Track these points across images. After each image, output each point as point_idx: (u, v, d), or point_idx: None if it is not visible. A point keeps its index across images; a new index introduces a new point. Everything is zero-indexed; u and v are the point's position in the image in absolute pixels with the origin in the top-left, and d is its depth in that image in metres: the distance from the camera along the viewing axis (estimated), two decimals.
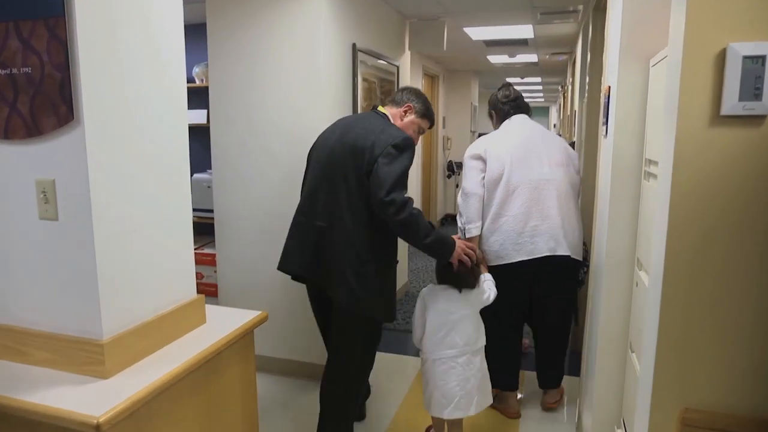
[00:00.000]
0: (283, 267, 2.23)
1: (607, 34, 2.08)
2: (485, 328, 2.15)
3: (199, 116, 3.82)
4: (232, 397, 1.62)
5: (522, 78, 9.49)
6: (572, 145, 4.59)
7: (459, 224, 2.49)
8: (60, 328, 1.31)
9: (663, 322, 0.95)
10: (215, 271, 3.30)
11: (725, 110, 0.87)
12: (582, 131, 3.60)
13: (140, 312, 1.41)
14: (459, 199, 2.48)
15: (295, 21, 2.72)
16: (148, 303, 1.43)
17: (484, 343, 2.13)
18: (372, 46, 3.44)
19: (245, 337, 1.66)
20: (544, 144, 2.43)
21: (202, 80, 3.76)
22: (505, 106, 2.54)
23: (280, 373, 3.03)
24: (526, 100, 2.64)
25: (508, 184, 2.34)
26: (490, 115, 2.67)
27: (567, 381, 2.98)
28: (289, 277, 2.29)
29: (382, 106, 2.29)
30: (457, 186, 8.31)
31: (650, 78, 1.64)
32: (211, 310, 1.71)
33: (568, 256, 2.35)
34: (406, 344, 3.55)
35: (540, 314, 2.54)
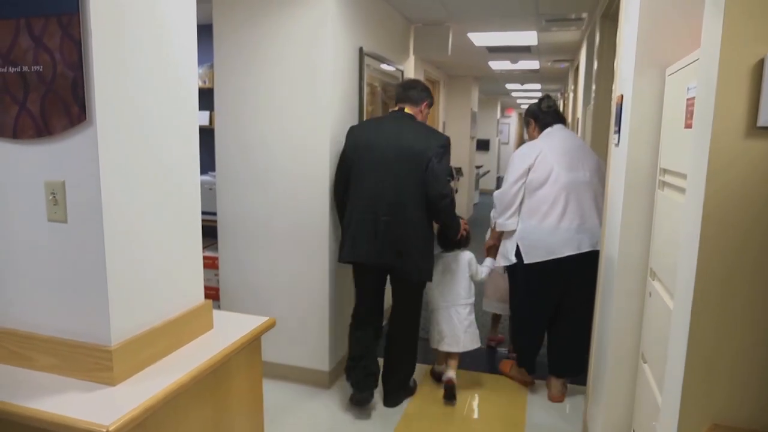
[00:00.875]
0: (351, 258, 2.57)
1: (620, 42, 2.07)
2: (520, 319, 2.81)
3: (201, 118, 3.80)
4: (238, 403, 1.59)
5: (522, 84, 9.51)
6: None
7: (492, 215, 2.85)
8: (67, 333, 1.28)
9: (692, 338, 0.93)
10: (216, 275, 3.27)
11: (762, 121, 0.85)
12: (587, 139, 3.59)
13: (149, 317, 1.37)
14: (497, 193, 2.78)
15: (303, 23, 2.70)
16: (156, 308, 1.40)
17: (471, 301, 2.79)
18: (378, 50, 3.43)
19: (252, 344, 1.63)
20: (581, 151, 2.70)
21: (204, 81, 3.74)
22: (548, 116, 2.78)
23: (283, 378, 3.00)
24: (522, 106, 2.87)
25: (555, 186, 2.59)
26: (527, 123, 2.87)
27: (572, 389, 2.96)
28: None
29: (401, 105, 2.63)
30: (456, 190, 8.30)
31: (666, 87, 1.63)
32: (217, 315, 1.68)
33: (595, 251, 2.57)
34: None
35: (572, 304, 2.72)
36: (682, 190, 1.40)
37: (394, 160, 2.45)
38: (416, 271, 2.51)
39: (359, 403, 2.65)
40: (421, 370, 3.18)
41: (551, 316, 2.78)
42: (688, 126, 1.30)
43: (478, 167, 10.26)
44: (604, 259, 2.19)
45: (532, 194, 2.62)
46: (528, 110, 2.87)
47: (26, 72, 1.23)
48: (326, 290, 2.88)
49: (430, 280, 2.62)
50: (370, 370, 2.64)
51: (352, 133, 2.64)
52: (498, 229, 2.76)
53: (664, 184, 1.62)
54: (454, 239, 2.72)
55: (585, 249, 2.57)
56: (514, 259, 2.68)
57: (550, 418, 2.70)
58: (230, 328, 1.61)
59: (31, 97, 1.24)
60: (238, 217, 2.98)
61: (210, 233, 3.18)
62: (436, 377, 2.99)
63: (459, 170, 8.25)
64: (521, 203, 2.66)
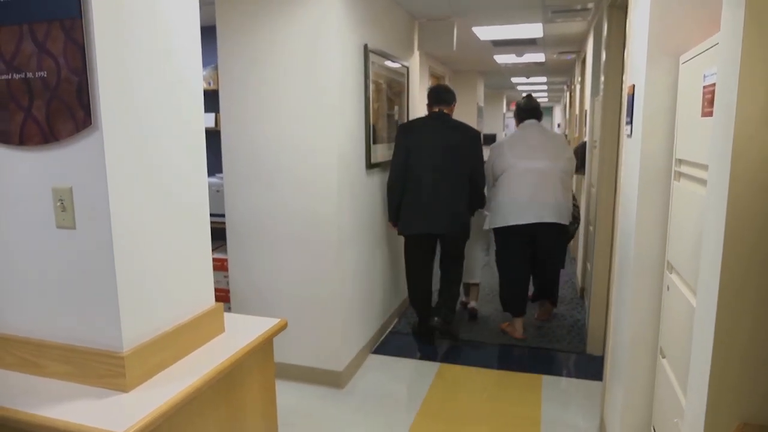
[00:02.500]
0: (422, 230, 3.29)
1: (630, 31, 2.03)
2: (504, 274, 3.65)
3: (206, 120, 3.79)
4: (251, 406, 1.58)
5: (527, 78, 9.44)
6: (583, 144, 4.57)
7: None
8: (78, 339, 1.27)
9: (719, 335, 0.90)
10: (225, 276, 3.26)
11: None
12: (596, 131, 3.54)
13: (160, 322, 1.36)
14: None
15: (306, 21, 2.68)
16: (167, 313, 1.39)
17: (485, 247, 3.95)
18: (383, 46, 3.40)
19: (265, 346, 1.62)
20: (544, 143, 3.41)
21: (209, 83, 3.72)
22: (523, 113, 3.53)
23: (296, 379, 2.99)
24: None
25: (510, 173, 3.38)
26: (514, 115, 3.64)
27: (587, 385, 2.93)
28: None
29: (440, 106, 3.33)
30: None
31: (680, 75, 1.59)
32: (229, 318, 1.67)
33: (555, 222, 3.36)
34: (424, 349, 3.50)
35: (540, 260, 3.63)
36: (699, 180, 1.37)
37: (447, 151, 3.20)
38: (462, 228, 3.33)
39: (427, 332, 3.53)
40: (434, 368, 3.16)
41: (526, 272, 3.63)
42: (706, 114, 1.26)
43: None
44: (618, 252, 2.15)
45: (496, 179, 3.50)
46: (515, 104, 3.69)
47: (30, 78, 1.22)
48: (337, 290, 2.86)
49: (469, 237, 3.50)
50: (428, 305, 3.56)
51: (405, 130, 3.32)
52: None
53: (680, 174, 1.58)
54: (478, 206, 3.50)
55: (529, 221, 3.33)
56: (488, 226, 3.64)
57: (567, 415, 2.67)
58: (242, 330, 1.59)
59: (36, 104, 1.23)
60: (247, 218, 2.96)
61: (219, 235, 3.17)
62: (463, 305, 4.11)
63: None
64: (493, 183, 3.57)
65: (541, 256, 3.59)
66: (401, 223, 3.33)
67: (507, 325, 3.70)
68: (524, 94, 3.60)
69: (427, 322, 3.51)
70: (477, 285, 4.02)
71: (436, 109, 3.34)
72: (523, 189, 3.33)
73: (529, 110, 3.51)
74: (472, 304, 4.00)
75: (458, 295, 3.59)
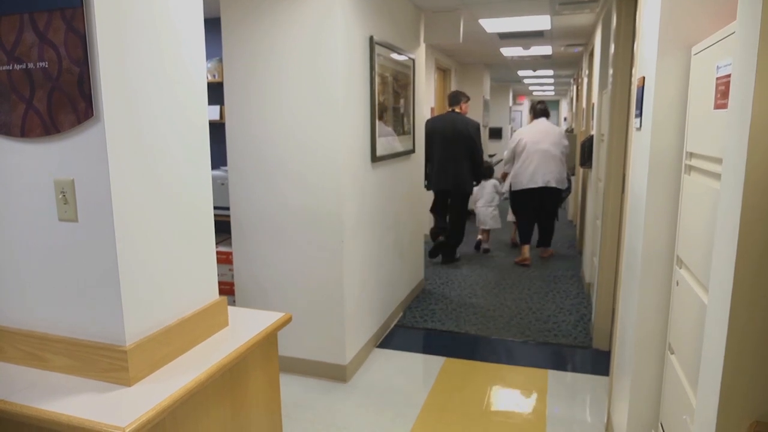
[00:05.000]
0: (439, 187, 5.03)
1: (640, 22, 2.00)
2: (518, 219, 5.49)
3: (211, 112, 3.77)
4: (256, 400, 1.57)
5: (534, 71, 9.36)
6: (590, 138, 4.55)
7: (502, 163, 5.72)
8: (81, 333, 1.26)
9: (732, 332, 0.88)
10: (230, 270, 3.26)
11: None
12: (603, 124, 3.50)
13: (163, 316, 1.35)
14: (504, 155, 5.58)
15: (312, 12, 2.65)
16: (170, 306, 1.38)
17: (495, 203, 5.71)
18: (389, 38, 3.37)
19: (269, 340, 1.61)
20: (549, 133, 5.13)
21: (214, 75, 3.71)
22: (537, 113, 5.27)
23: (299, 372, 2.98)
24: (535, 93, 5.09)
25: (526, 153, 5.06)
26: (530, 113, 5.43)
27: (594, 380, 2.92)
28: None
29: (453, 107, 4.98)
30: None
31: (692, 67, 1.56)
32: (233, 312, 1.65)
33: (555, 187, 5.08)
34: (429, 343, 3.49)
35: (542, 213, 5.33)
36: (711, 173, 1.34)
37: (455, 137, 4.81)
38: (468, 186, 5.00)
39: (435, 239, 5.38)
40: (439, 362, 3.15)
41: (535, 219, 5.35)
42: (719, 107, 1.24)
43: (491, 156, 10.13)
44: (626, 246, 2.13)
45: (517, 157, 5.14)
46: (530, 107, 5.56)
47: (32, 69, 1.21)
48: (342, 283, 2.85)
49: (471, 193, 5.16)
50: (442, 231, 5.31)
51: (429, 124, 4.86)
52: (504, 171, 5.51)
53: (691, 168, 1.56)
54: (480, 176, 5.18)
55: (541, 185, 5.01)
56: (506, 190, 5.40)
57: (572, 411, 2.65)
58: (246, 324, 1.58)
59: (38, 95, 1.21)
60: (251, 211, 2.95)
61: (223, 228, 3.16)
62: (477, 246, 5.90)
63: None
64: (513, 160, 5.23)
65: (543, 209, 5.30)
66: (430, 183, 5.00)
67: (519, 259, 5.30)
68: (537, 101, 5.46)
69: (437, 239, 5.32)
70: (488, 231, 5.84)
71: (450, 109, 5.00)
72: (536, 163, 5.01)
73: (541, 111, 5.26)
74: (485, 245, 5.81)
75: (457, 231, 5.19)
